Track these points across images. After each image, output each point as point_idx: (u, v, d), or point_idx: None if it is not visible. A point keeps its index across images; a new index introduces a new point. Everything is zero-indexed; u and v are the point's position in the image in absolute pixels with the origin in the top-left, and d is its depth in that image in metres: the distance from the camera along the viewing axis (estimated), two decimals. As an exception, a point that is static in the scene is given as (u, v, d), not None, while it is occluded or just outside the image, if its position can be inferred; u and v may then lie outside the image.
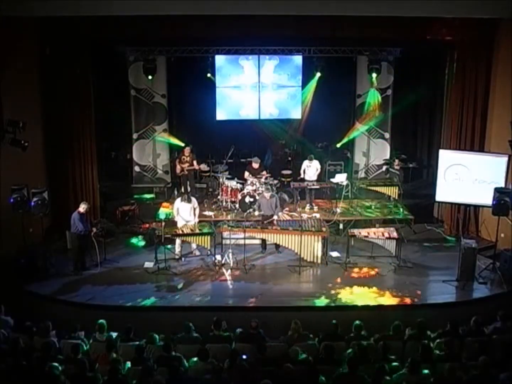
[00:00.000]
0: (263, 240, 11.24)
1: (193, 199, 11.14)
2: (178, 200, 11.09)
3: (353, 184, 13.66)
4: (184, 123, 14.74)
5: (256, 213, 11.28)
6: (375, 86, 14.31)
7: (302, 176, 13.22)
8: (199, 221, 11.20)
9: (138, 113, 14.33)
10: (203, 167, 13.74)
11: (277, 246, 11.23)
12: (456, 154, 11.48)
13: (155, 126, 14.40)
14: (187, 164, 13.34)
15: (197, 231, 10.63)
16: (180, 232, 10.64)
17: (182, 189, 13.62)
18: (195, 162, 13.46)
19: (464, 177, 11.23)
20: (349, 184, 13.23)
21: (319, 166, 13.28)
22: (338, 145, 14.76)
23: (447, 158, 11.42)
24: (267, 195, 11.29)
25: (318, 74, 14.09)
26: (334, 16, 10.55)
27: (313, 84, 14.37)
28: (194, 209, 11.08)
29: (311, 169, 13.18)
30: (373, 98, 14.49)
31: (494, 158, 11.03)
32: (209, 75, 13.93)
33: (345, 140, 14.81)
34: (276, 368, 6.38)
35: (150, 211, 12.98)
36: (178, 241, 10.88)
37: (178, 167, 13.43)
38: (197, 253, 11.17)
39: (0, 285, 9.51)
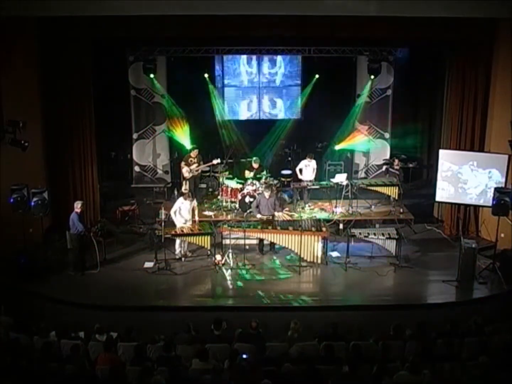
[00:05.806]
0: (261, 242, 11.24)
1: (194, 198, 11.12)
2: (181, 198, 10.97)
3: (353, 184, 13.64)
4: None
5: (258, 216, 11.14)
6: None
7: (299, 176, 13.13)
8: (200, 221, 11.20)
9: (138, 113, 14.32)
10: (216, 161, 13.31)
11: (272, 246, 11.24)
12: (456, 154, 11.48)
13: (155, 126, 14.40)
14: (195, 165, 13.06)
15: (197, 231, 10.63)
16: (180, 232, 10.64)
17: (187, 186, 13.29)
18: (202, 163, 13.17)
19: (464, 177, 11.27)
20: (349, 184, 13.21)
21: (316, 166, 13.24)
22: (337, 148, 14.66)
23: (447, 158, 11.42)
24: (266, 194, 11.27)
25: (317, 76, 14.10)
26: (334, 16, 10.55)
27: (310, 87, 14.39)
28: (193, 208, 11.06)
29: (309, 169, 13.15)
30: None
31: (494, 158, 11.04)
32: (206, 75, 13.92)
33: (345, 145, 14.54)
34: (276, 368, 6.38)
35: (150, 211, 12.96)
36: (178, 241, 10.87)
37: (186, 170, 12.87)
38: (188, 254, 11.07)
39: (0, 285, 9.53)
